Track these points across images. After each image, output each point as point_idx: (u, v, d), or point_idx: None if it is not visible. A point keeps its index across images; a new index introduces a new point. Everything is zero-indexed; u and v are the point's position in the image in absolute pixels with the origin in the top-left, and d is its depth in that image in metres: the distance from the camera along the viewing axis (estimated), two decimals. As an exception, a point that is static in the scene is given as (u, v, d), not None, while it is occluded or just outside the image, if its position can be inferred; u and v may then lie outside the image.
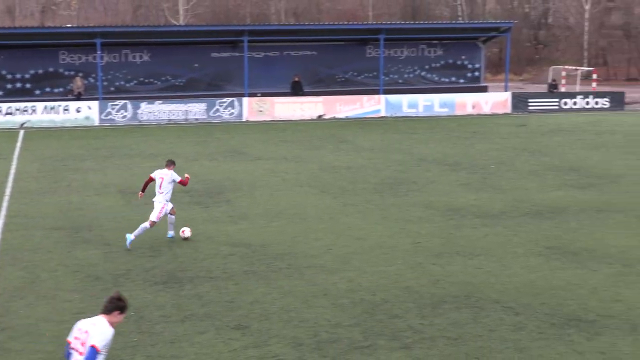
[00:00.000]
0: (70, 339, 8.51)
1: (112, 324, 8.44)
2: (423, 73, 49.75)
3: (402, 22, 64.11)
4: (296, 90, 45.23)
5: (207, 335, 12.73)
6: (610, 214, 21.01)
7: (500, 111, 46.12)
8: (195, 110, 42.68)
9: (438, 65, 49.98)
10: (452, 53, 50.18)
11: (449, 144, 34.03)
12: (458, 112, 45.30)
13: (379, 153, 31.62)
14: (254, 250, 17.50)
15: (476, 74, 50.79)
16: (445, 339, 12.54)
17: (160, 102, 42.55)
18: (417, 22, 66.59)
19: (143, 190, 18.70)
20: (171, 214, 18.45)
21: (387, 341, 12.45)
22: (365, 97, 44.71)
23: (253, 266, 16.37)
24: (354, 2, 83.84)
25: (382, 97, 44.85)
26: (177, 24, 67.53)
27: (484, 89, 50.06)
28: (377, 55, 47.29)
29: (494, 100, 46.63)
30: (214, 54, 46.64)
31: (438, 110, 45.14)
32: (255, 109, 43.21)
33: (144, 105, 42.16)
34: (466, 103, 45.84)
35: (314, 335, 12.73)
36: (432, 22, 61.74)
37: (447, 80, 50.02)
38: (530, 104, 47.09)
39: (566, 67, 60.46)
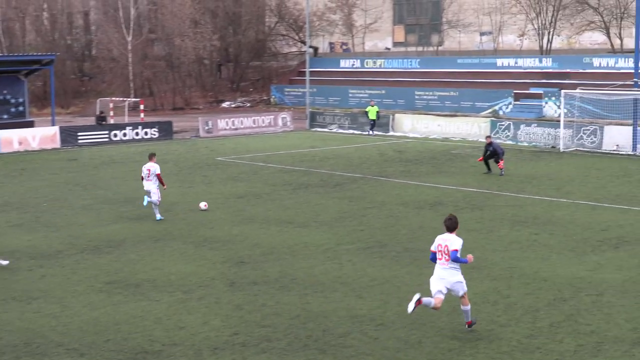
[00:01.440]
0: (433, 248, 14.03)
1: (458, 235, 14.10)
2: (-38, 110, 47.16)
3: None
4: None
5: None
6: (167, 243, 21.60)
7: (49, 146, 45.25)
8: None
9: (-19, 100, 47.73)
10: (-7, 88, 48.24)
11: (-4, 184, 32.58)
12: (4, 150, 43.53)
13: None
14: None
15: (20, 108, 49.32)
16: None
17: None
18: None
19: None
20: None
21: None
22: None
23: None
24: None
25: None
26: None
27: (30, 124, 48.73)
28: None
29: (41, 135, 45.58)
30: None
31: (-19, 149, 43.02)
32: None
33: None
34: (12, 139, 44.24)
35: None
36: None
37: (-10, 116, 47.94)
38: (80, 137, 46.77)
39: (113, 98, 61.16)
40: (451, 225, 14.07)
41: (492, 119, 50.47)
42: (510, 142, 44.70)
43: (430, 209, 26.15)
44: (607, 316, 15.08)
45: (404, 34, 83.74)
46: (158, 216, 24.54)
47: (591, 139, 42.08)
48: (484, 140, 35.86)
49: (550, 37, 69.49)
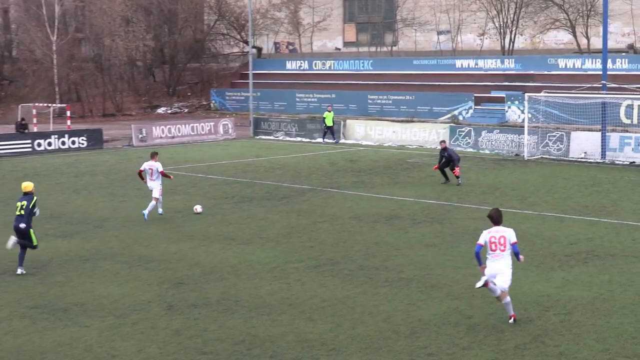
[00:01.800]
0: (481, 242, 15.84)
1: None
2: None
3: None
4: None
5: None
6: (98, 262, 21.41)
7: (-34, 157, 44.69)
8: None
9: None
10: None
11: None
12: None
13: None
14: None
15: None
16: None
17: None
18: None
19: (142, 178, 27.74)
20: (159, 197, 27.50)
21: None
22: None
23: None
24: None
25: None
26: None
27: (-57, 133, 48.10)
28: None
29: (-44, 145, 45.00)
30: None
31: None
32: None
33: None
34: None
35: None
36: None
37: None
38: (0, 147, 46.25)
39: (37, 104, 60.45)
40: (500, 218, 16.12)
41: (452, 124, 50.94)
42: (471, 150, 45.16)
43: (385, 222, 26.27)
44: (576, 336, 15.27)
45: (355, 33, 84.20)
46: (160, 210, 27.75)
47: (557, 145, 42.67)
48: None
49: (513, 36, 70.42)
